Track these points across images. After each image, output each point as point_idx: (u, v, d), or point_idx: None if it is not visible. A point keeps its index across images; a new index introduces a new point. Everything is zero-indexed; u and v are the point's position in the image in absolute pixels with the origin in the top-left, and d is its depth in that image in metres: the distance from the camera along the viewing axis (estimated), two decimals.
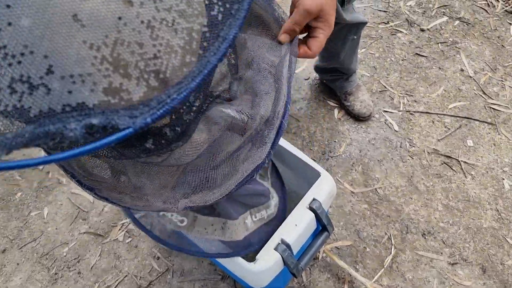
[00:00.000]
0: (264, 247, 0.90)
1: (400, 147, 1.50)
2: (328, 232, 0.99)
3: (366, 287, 1.21)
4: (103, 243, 1.40)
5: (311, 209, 0.95)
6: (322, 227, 0.99)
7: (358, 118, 1.57)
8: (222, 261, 0.94)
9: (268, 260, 0.89)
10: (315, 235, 1.00)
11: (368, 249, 1.29)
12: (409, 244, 1.29)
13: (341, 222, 1.35)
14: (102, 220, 1.45)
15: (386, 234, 1.31)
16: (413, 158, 1.47)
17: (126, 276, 1.33)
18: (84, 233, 1.43)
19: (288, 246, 0.91)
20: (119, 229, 1.42)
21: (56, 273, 1.36)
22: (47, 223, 1.47)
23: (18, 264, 1.39)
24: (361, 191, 1.40)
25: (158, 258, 1.35)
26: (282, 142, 1.06)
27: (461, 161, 1.45)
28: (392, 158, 1.47)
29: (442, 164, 1.45)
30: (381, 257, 1.28)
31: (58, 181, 1.56)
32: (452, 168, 1.43)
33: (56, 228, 1.45)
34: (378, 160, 1.47)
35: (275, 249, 0.90)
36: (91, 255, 1.38)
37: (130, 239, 1.40)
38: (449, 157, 1.46)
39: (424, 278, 1.23)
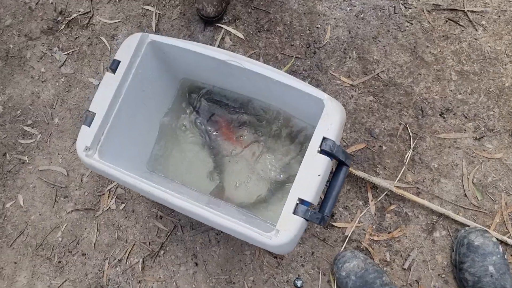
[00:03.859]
0: (282, 214, 0.75)
1: (395, 13, 1.25)
2: (347, 166, 0.83)
3: (391, 190, 1.10)
4: (97, 217, 1.25)
5: (323, 152, 0.77)
6: (340, 163, 0.83)
7: None
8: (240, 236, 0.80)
9: (291, 229, 0.74)
10: (334, 173, 0.84)
11: (384, 147, 1.15)
12: (427, 129, 1.14)
13: (347, 124, 1.18)
14: (86, 192, 1.28)
15: (400, 124, 1.16)
16: (412, 23, 1.23)
17: (134, 244, 1.22)
18: (72, 211, 1.27)
19: (308, 204, 0.76)
20: (108, 197, 1.26)
21: (59, 261, 1.25)
22: (27, 211, 1.30)
23: (15, 263, 1.27)
24: (361, 82, 1.20)
25: (161, 217, 1.22)
26: (268, 71, 0.83)
27: (467, 11, 1.22)
28: (388, 31, 1.24)
29: (446, 21, 1.22)
30: (400, 152, 1.14)
31: (19, 161, 1.34)
32: (459, 24, 1.21)
33: (39, 214, 1.29)
34: (373, 38, 1.24)
35: (295, 212, 0.75)
36: (88, 232, 1.25)
37: (123, 204, 1.25)
38: (453, 9, 1.23)
39: (451, 163, 1.11)
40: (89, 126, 0.85)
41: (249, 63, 0.83)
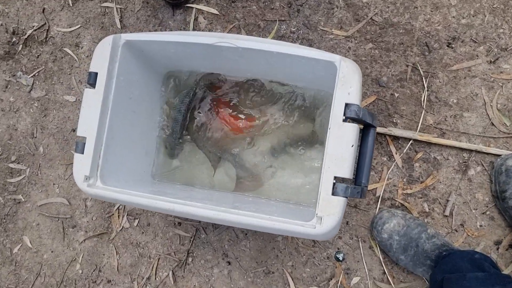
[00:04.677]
0: (320, 198, 0.67)
1: None
2: (375, 127, 0.75)
3: (414, 138, 1.03)
4: (112, 239, 1.17)
5: (350, 119, 0.68)
6: (368, 126, 0.74)
7: None
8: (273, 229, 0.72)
9: (334, 212, 0.67)
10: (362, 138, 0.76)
11: (396, 94, 1.07)
12: (437, 64, 1.06)
13: None
14: (94, 217, 1.19)
15: (407, 66, 1.07)
16: None
17: (159, 258, 1.14)
18: (84, 240, 1.19)
19: (346, 180, 0.68)
20: (118, 216, 1.17)
21: None
22: (38, 251, 1.22)
23: None
24: (356, 30, 1.10)
25: (180, 223, 1.14)
26: (265, 45, 0.73)
27: None
28: None
29: None
30: (414, 95, 1.06)
31: (15, 202, 1.24)
32: None
33: (52, 251, 1.21)
34: None
35: (334, 193, 0.67)
36: (108, 257, 1.17)
37: (136, 220, 1.16)
38: None
39: (470, 94, 1.04)
40: (83, 153, 0.75)
41: (241, 40, 0.73)
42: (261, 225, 0.68)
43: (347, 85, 0.68)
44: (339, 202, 0.67)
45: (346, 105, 0.68)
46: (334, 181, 0.67)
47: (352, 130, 0.68)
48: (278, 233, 0.70)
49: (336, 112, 0.68)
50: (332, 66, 0.70)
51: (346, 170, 0.67)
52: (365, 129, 0.75)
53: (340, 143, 0.67)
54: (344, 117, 0.68)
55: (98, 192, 0.74)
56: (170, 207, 0.71)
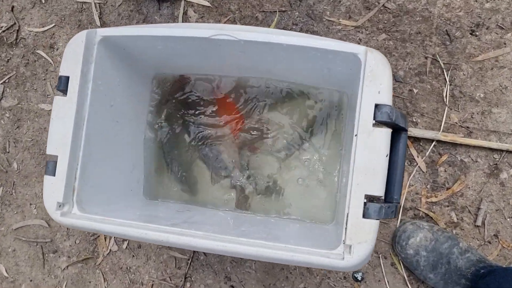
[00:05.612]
0: (349, 223, 0.54)
1: None
2: (406, 130, 0.62)
3: (437, 139, 0.91)
4: (98, 265, 1.03)
5: (381, 123, 0.56)
6: (397, 129, 0.62)
7: None
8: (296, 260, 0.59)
9: (367, 239, 0.54)
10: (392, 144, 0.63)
11: (415, 90, 0.95)
12: (460, 55, 0.94)
13: None
14: (77, 240, 1.05)
15: (426, 58, 0.95)
16: None
17: (153, 284, 1.01)
18: (68, 266, 1.05)
19: (379, 199, 0.56)
20: (105, 238, 1.04)
21: None
22: (15, 280, 1.07)
23: None
24: (367, 20, 0.98)
25: None
26: (273, 36, 0.60)
27: None
28: None
29: None
30: (435, 90, 0.94)
31: None
32: None
33: (31, 280, 1.07)
34: None
35: (366, 216, 0.54)
36: (95, 285, 1.03)
37: (126, 242, 1.03)
38: None
39: (498, 87, 0.92)
40: (54, 175, 0.61)
41: (244, 31, 0.60)
42: (277, 258, 0.56)
43: (376, 82, 0.56)
44: (372, 226, 0.54)
45: (376, 106, 0.55)
46: (365, 200, 0.55)
47: (385, 136, 0.55)
48: (298, 265, 0.57)
49: (365, 115, 0.55)
50: (355, 59, 0.58)
51: (379, 186, 0.55)
52: (395, 133, 0.62)
53: (372, 153, 0.55)
54: (374, 121, 0.55)
55: (75, 222, 0.61)
56: (163, 238, 0.58)
